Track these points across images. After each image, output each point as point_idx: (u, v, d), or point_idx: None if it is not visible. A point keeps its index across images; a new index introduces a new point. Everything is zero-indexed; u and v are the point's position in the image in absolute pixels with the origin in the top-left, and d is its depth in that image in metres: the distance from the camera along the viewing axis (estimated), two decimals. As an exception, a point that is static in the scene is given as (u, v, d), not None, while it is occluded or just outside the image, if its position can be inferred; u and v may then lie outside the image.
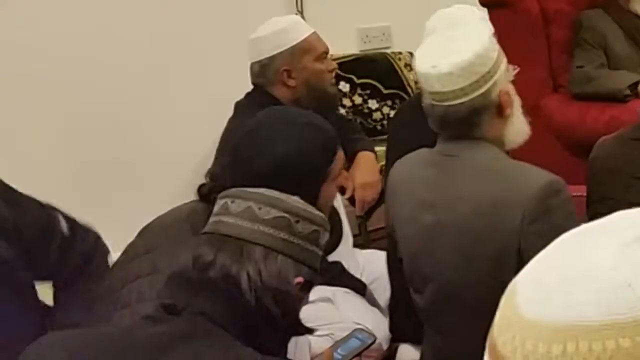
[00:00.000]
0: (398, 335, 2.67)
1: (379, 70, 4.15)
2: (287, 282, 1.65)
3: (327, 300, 2.65)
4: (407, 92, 4.10)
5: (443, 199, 2.21)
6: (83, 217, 2.30)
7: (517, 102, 2.26)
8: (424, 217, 2.25)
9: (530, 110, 4.02)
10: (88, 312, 2.19)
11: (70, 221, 2.26)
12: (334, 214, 2.79)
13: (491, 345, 0.77)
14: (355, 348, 1.91)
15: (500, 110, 2.18)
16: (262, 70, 3.13)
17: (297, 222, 1.67)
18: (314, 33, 3.22)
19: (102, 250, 2.32)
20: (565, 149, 4.03)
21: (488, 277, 2.15)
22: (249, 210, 1.66)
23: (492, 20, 4.10)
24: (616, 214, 0.79)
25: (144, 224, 2.27)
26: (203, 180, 2.23)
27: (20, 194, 2.19)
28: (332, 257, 2.79)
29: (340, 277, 2.82)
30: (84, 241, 2.27)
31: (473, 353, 1.78)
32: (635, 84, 4.02)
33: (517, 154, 3.47)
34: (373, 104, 4.14)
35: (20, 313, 2.11)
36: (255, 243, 1.64)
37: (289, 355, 1.75)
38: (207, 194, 2.15)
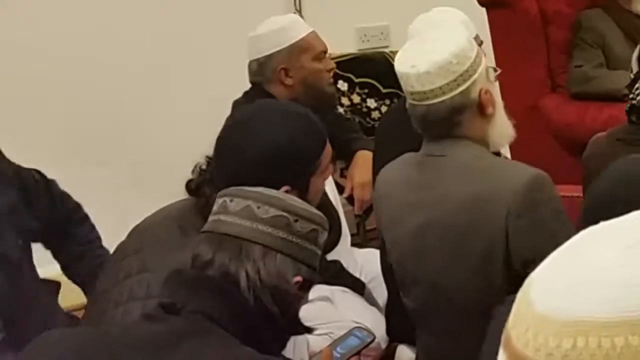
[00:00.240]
0: (395, 336, 2.68)
1: (377, 70, 4.15)
2: (286, 281, 1.65)
3: (326, 299, 2.65)
4: (405, 92, 4.11)
5: (428, 200, 2.21)
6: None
7: (499, 103, 2.28)
8: (410, 219, 2.25)
9: (529, 110, 4.05)
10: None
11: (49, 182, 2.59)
12: (333, 213, 2.80)
13: (506, 339, 0.78)
14: (355, 346, 1.90)
15: (481, 109, 2.20)
16: (259, 69, 3.14)
17: (296, 221, 1.67)
18: (313, 32, 3.22)
19: (82, 216, 2.65)
20: (563, 148, 4.03)
21: (476, 276, 2.16)
22: (247, 209, 1.67)
23: (491, 20, 4.13)
24: (620, 218, 0.80)
25: (144, 224, 2.27)
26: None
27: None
28: (330, 256, 2.79)
29: (339, 276, 2.82)
30: (64, 201, 2.61)
31: (466, 352, 1.78)
32: (634, 84, 4.03)
33: (515, 153, 3.48)
34: (371, 102, 4.14)
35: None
36: (254, 242, 1.64)
37: (287, 354, 1.75)
38: (196, 188, 2.15)
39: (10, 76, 3.72)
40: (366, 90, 4.14)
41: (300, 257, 1.67)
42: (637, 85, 2.61)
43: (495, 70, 2.29)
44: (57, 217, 2.58)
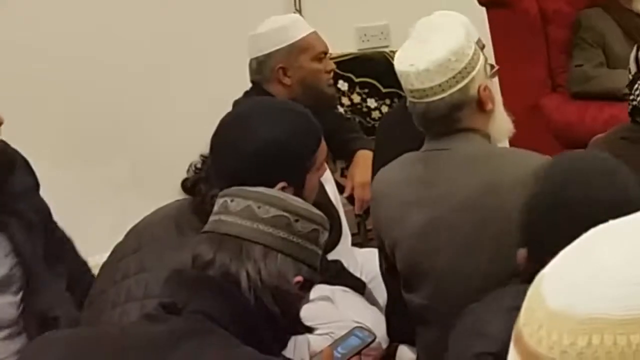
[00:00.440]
0: (396, 337, 2.67)
1: (377, 69, 4.14)
2: (287, 281, 1.65)
3: (327, 299, 2.65)
4: (405, 91, 4.11)
5: (434, 194, 2.23)
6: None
7: (499, 99, 2.32)
8: (414, 217, 2.25)
9: (529, 110, 4.05)
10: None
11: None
12: (334, 212, 2.79)
13: (517, 336, 0.78)
14: (355, 346, 1.90)
15: (481, 105, 2.23)
16: (259, 67, 3.14)
17: (297, 221, 1.67)
18: (314, 32, 3.22)
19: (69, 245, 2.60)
20: (564, 148, 4.02)
21: (487, 264, 2.16)
22: (248, 209, 1.66)
23: (491, 20, 4.13)
24: (629, 217, 0.80)
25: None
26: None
27: None
28: (331, 256, 2.79)
29: (340, 275, 2.82)
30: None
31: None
32: (634, 83, 4.03)
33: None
34: (372, 102, 4.14)
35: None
36: (254, 242, 1.64)
37: (287, 354, 1.75)
38: (192, 186, 2.15)
39: (10, 76, 3.72)
40: (366, 90, 4.14)
41: (301, 257, 1.67)
42: (636, 86, 2.62)
43: (492, 67, 2.32)
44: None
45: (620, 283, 0.73)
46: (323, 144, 2.16)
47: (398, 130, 2.75)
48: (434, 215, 2.22)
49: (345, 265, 2.88)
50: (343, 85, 4.12)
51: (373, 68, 4.17)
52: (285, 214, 1.67)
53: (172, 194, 2.27)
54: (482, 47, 2.40)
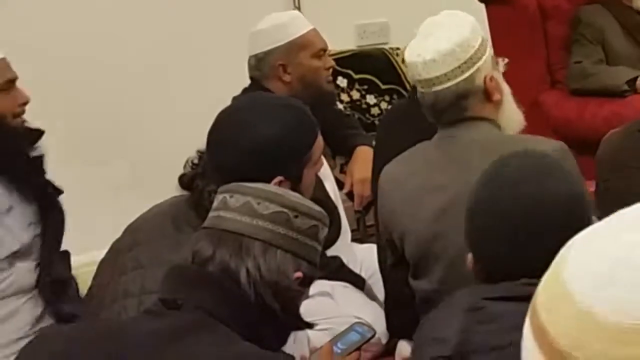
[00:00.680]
0: (395, 332, 2.67)
1: (376, 66, 4.15)
2: (287, 277, 1.65)
3: (326, 294, 2.65)
4: (404, 88, 4.10)
5: (449, 177, 2.25)
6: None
7: (507, 91, 2.36)
8: (429, 200, 2.27)
9: (529, 106, 4.04)
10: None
11: None
12: (333, 208, 2.79)
13: (540, 331, 0.76)
14: (355, 342, 1.90)
15: (487, 95, 2.28)
16: (258, 64, 3.14)
17: (296, 217, 1.68)
18: (313, 29, 3.22)
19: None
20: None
21: None
22: (247, 205, 1.67)
23: (490, 16, 4.13)
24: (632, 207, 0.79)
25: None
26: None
27: None
28: (330, 252, 2.79)
29: (340, 271, 2.82)
30: None
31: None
32: (634, 80, 4.03)
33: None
34: (371, 99, 4.14)
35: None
36: (254, 238, 1.65)
37: (287, 350, 1.75)
38: (189, 182, 2.15)
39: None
40: (365, 87, 4.15)
41: (301, 253, 1.68)
42: None
43: (502, 60, 2.39)
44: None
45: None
46: (319, 139, 2.16)
47: (399, 127, 2.77)
48: (447, 199, 2.24)
49: (345, 261, 2.88)
50: (342, 81, 4.12)
51: (372, 65, 4.17)
52: (284, 210, 1.67)
53: (171, 194, 2.28)
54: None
